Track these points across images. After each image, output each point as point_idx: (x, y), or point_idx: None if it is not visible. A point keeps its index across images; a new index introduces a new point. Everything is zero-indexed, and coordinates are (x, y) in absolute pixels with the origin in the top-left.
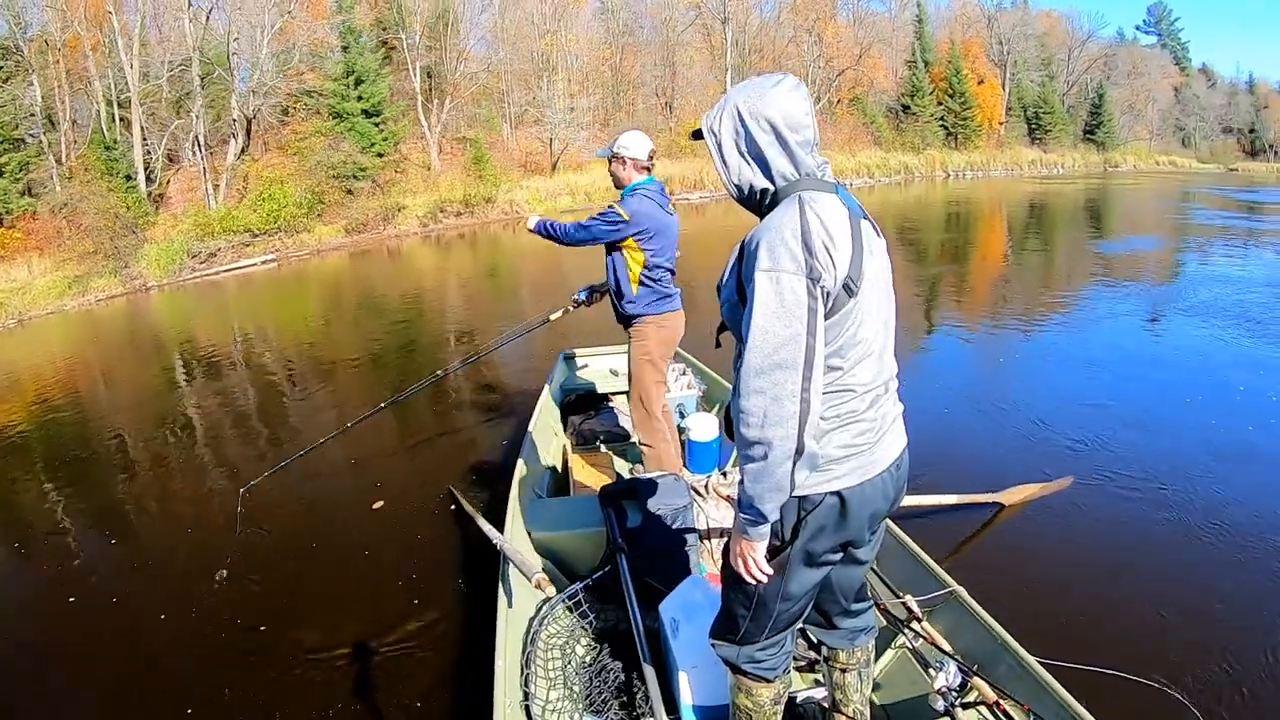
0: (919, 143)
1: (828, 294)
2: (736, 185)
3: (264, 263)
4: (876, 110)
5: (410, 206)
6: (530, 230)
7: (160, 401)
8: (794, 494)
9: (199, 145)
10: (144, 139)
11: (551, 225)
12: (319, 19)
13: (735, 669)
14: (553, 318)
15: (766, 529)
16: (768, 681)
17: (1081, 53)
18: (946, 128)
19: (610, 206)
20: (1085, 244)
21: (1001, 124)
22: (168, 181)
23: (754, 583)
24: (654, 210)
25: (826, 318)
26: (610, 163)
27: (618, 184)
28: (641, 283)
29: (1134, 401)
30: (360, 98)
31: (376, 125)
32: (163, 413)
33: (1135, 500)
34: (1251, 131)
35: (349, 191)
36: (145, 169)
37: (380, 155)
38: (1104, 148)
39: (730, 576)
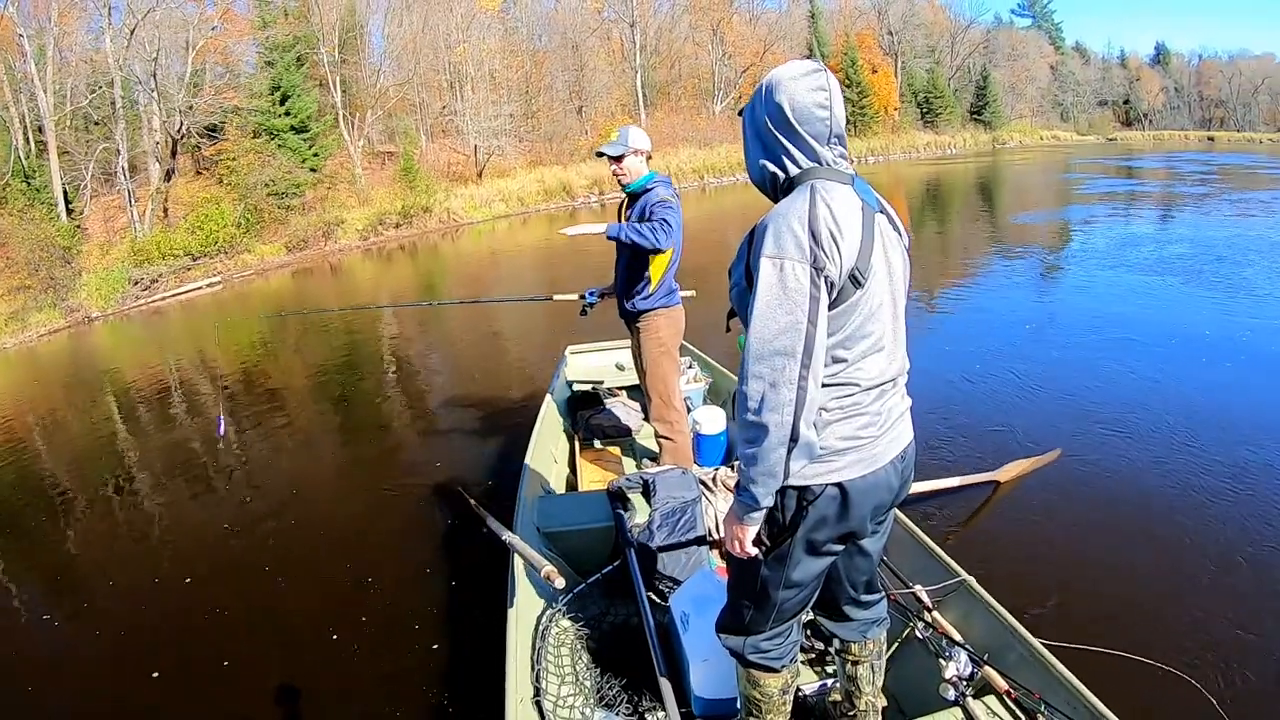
0: None
1: (832, 283)
2: (751, 168)
3: (209, 285)
4: None
5: (349, 220)
6: (607, 236)
7: (111, 444)
8: (793, 484)
9: (124, 170)
10: (61, 167)
11: (631, 229)
12: (240, 36)
13: (742, 660)
14: (557, 297)
15: (760, 514)
16: (774, 671)
17: (964, 38)
18: (846, 116)
19: (660, 202)
20: (1002, 218)
21: (896, 110)
22: (83, 210)
23: (755, 568)
24: (677, 198)
25: (832, 307)
26: (621, 160)
27: (624, 179)
28: (662, 277)
29: (1102, 363)
30: (288, 113)
31: (306, 141)
32: (114, 457)
33: (1126, 466)
34: (1126, 103)
35: (288, 208)
36: (65, 197)
37: (313, 170)
38: (991, 126)
39: (735, 568)
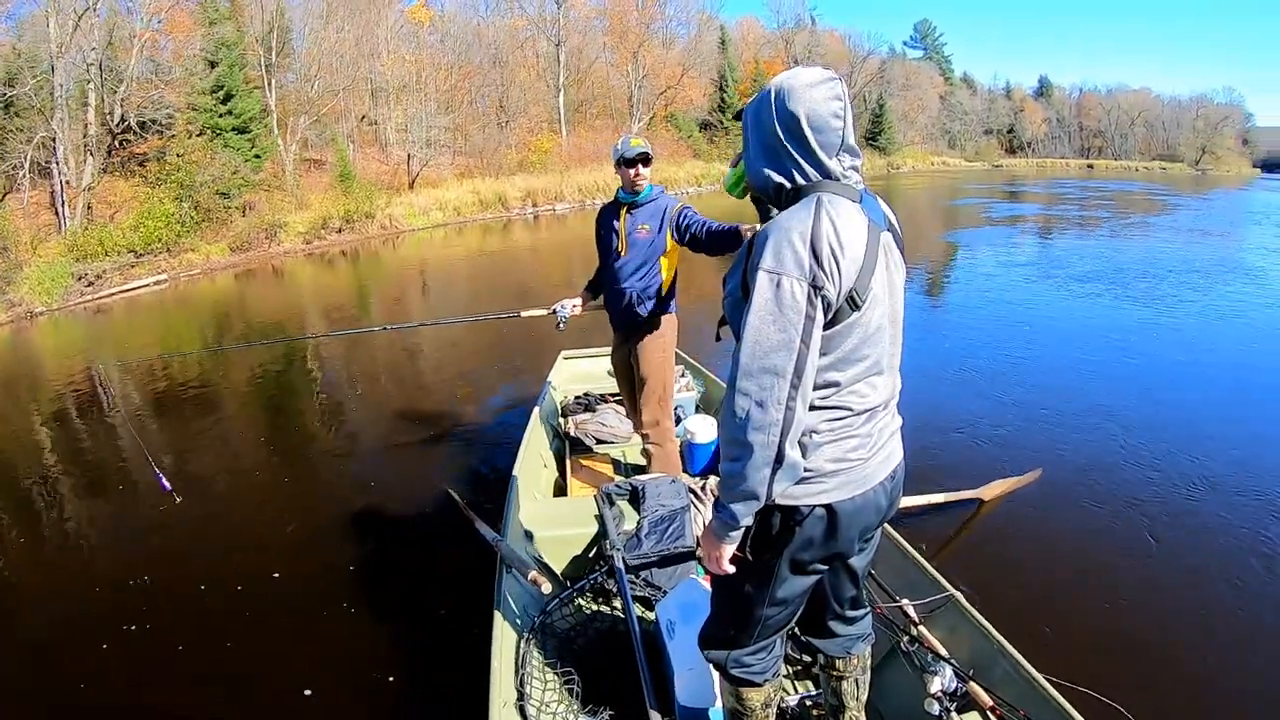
0: (733, 154)
1: (829, 304)
2: (754, 176)
3: (155, 284)
4: (692, 125)
5: (291, 223)
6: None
7: (60, 448)
8: (781, 503)
9: (60, 162)
10: None
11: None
12: (188, 32)
13: (724, 673)
14: (525, 314)
15: (738, 533)
16: (757, 686)
17: (862, 68)
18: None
19: (684, 209)
20: (929, 235)
21: None
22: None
23: (740, 585)
24: None
25: (827, 328)
26: (644, 165)
27: (635, 186)
28: (673, 280)
29: (1072, 381)
30: (231, 112)
31: (248, 141)
32: (61, 462)
33: (1104, 485)
34: (1010, 132)
35: (233, 208)
36: None
37: (256, 171)
38: (885, 152)
39: (719, 583)
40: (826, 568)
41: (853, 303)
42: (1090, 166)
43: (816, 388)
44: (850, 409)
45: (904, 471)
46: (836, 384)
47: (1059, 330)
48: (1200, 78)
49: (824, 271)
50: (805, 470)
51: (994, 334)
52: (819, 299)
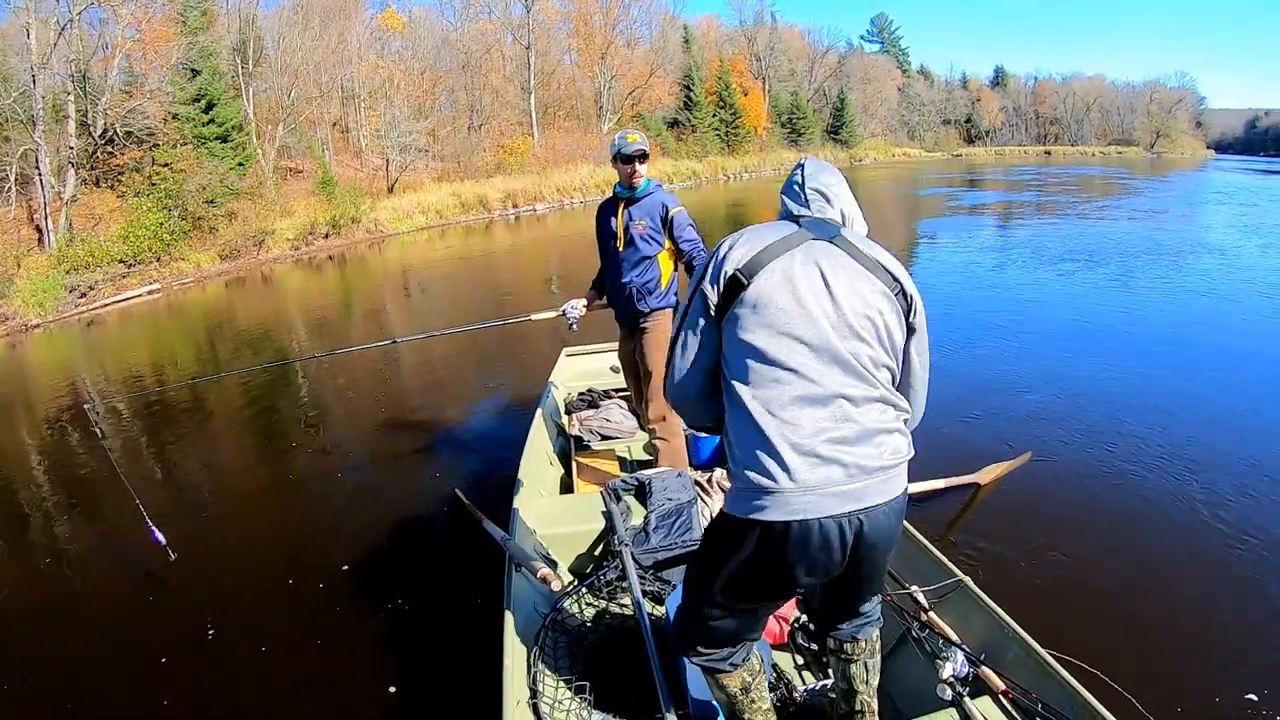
0: (700, 151)
1: (717, 282)
2: None
3: (149, 293)
4: (659, 124)
5: (279, 230)
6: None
7: (59, 465)
8: (729, 511)
9: (43, 175)
10: None
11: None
12: (168, 41)
13: (694, 662)
14: (535, 317)
15: None
16: (726, 672)
17: (822, 62)
18: (721, 136)
19: (679, 213)
20: (905, 225)
21: (766, 129)
22: None
23: (690, 579)
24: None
25: (724, 309)
26: (640, 162)
27: (632, 182)
28: (672, 274)
29: (1051, 363)
30: (213, 121)
31: (231, 149)
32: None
33: (1096, 463)
34: (968, 121)
35: (223, 215)
36: None
37: (241, 179)
38: (848, 145)
39: (685, 576)
40: (777, 598)
41: (739, 281)
42: (1048, 153)
43: (734, 374)
44: (770, 413)
45: (891, 521)
46: (746, 381)
47: (1034, 313)
48: (1153, 63)
49: (717, 264)
50: (737, 483)
51: (968, 320)
52: (712, 287)
